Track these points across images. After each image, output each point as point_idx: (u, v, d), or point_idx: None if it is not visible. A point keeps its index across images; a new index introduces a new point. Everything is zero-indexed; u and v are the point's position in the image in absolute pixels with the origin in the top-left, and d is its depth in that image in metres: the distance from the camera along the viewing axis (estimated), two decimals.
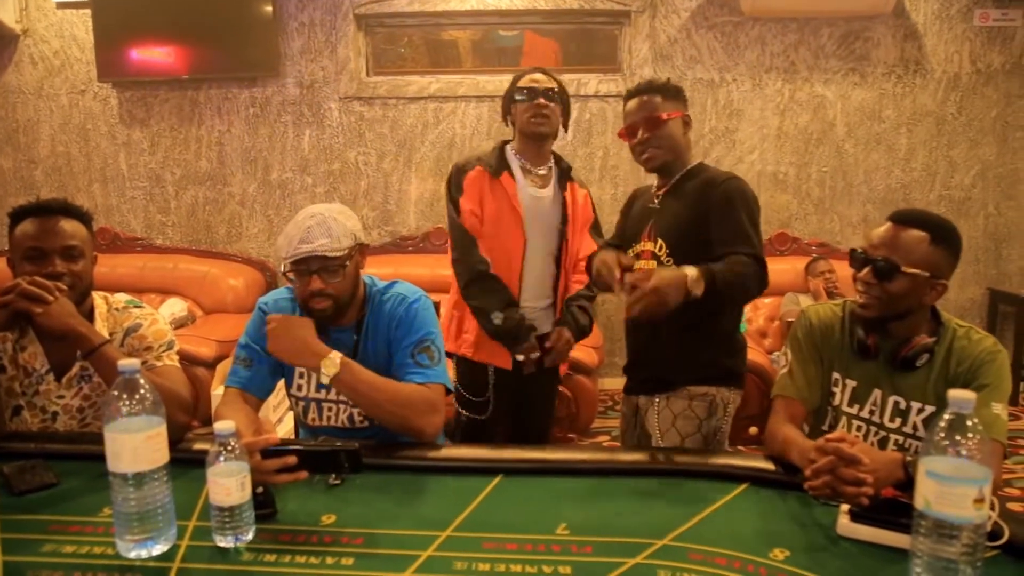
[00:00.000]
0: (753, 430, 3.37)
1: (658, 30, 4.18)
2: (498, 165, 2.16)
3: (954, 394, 0.97)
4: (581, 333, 2.23)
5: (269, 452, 1.25)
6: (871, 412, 1.53)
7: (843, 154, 4.27)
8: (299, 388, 1.64)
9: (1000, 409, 1.39)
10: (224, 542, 1.13)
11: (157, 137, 4.41)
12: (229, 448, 1.13)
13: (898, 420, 1.50)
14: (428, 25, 4.38)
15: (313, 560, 1.11)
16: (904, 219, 1.47)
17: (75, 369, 1.62)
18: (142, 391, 1.11)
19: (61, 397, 1.62)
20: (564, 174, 2.23)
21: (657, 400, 1.96)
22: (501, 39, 4.48)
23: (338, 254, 1.54)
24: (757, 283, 1.73)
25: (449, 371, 1.70)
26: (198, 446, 1.47)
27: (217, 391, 3.27)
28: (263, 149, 4.40)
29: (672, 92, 1.94)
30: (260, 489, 1.23)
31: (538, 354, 2.14)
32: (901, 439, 1.50)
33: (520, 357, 2.11)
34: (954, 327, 1.49)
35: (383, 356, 1.64)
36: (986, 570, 0.99)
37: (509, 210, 2.13)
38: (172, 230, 4.51)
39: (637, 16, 4.17)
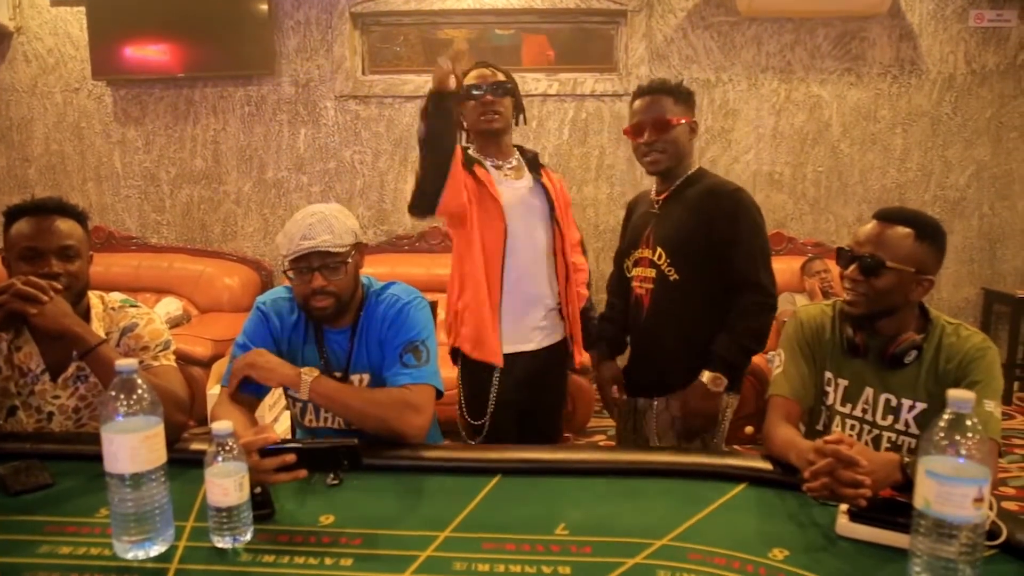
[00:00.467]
0: (749, 429, 3.38)
1: (654, 30, 4.19)
2: (467, 160, 2.03)
3: (953, 394, 0.98)
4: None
5: (267, 451, 1.25)
6: (863, 411, 1.54)
7: (839, 154, 4.28)
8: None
9: (993, 407, 1.39)
10: (222, 543, 1.13)
11: (152, 135, 4.40)
12: (227, 448, 1.13)
13: (890, 418, 1.51)
14: (424, 24, 4.37)
15: (312, 561, 1.10)
16: (889, 216, 1.50)
17: (71, 369, 1.61)
18: (140, 391, 1.11)
19: (57, 397, 1.61)
20: (533, 162, 2.13)
21: (656, 403, 1.97)
22: (497, 38, 4.47)
23: (340, 250, 1.54)
24: (768, 319, 1.87)
25: (450, 371, 1.68)
26: (195, 446, 1.47)
27: (213, 390, 3.26)
28: (258, 148, 4.39)
29: (683, 96, 1.93)
30: (258, 489, 1.22)
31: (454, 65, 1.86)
32: (894, 436, 1.51)
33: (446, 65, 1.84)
34: (943, 324, 1.51)
35: (377, 358, 1.63)
36: (984, 569, 0.99)
37: (490, 199, 1.99)
38: (167, 229, 4.49)
39: (633, 16, 4.17)
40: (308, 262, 1.54)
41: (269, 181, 4.42)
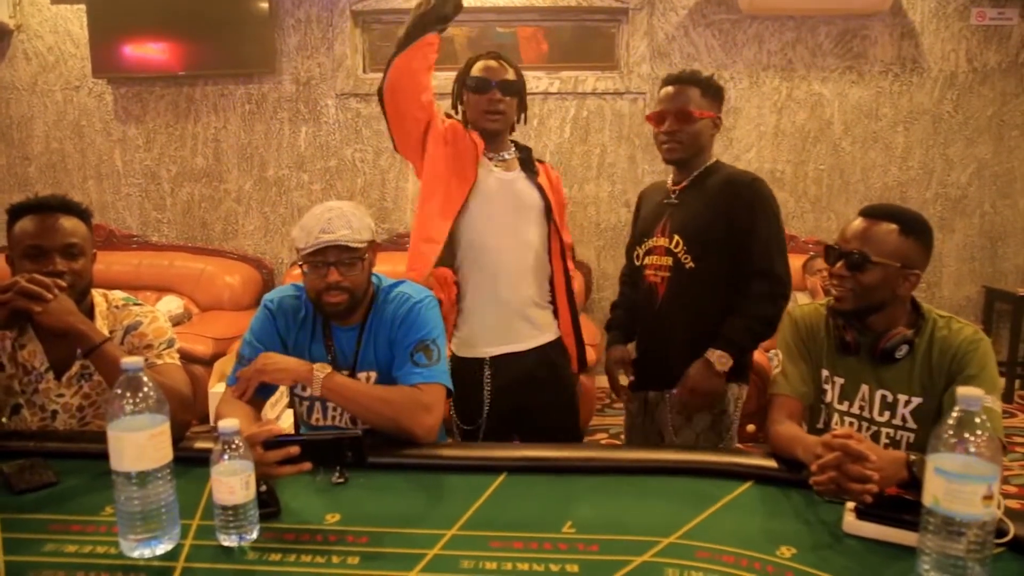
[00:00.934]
0: (751, 428, 3.37)
1: (656, 28, 4.18)
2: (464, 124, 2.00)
3: (962, 391, 0.97)
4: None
5: (271, 444, 1.25)
6: (861, 408, 1.55)
7: (840, 152, 4.27)
8: (303, 388, 1.63)
9: (992, 402, 1.39)
10: (228, 541, 1.13)
11: (152, 134, 4.39)
12: (233, 447, 1.12)
13: (887, 414, 1.52)
14: None
15: (319, 559, 1.10)
16: (874, 213, 1.52)
17: (75, 368, 1.61)
18: (146, 389, 1.11)
19: (61, 396, 1.61)
20: (527, 160, 2.06)
21: (668, 395, 1.97)
22: (498, 36, 4.46)
23: (358, 246, 1.55)
24: (780, 310, 1.87)
25: None
26: (199, 444, 1.46)
27: (214, 389, 3.26)
28: (259, 146, 4.38)
29: (712, 91, 1.93)
30: (263, 487, 1.22)
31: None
32: (892, 432, 1.52)
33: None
34: (934, 318, 1.52)
35: (385, 356, 1.63)
36: (991, 567, 0.99)
37: (470, 165, 1.92)
38: (168, 227, 4.49)
39: (635, 14, 4.17)
40: (325, 256, 1.54)
41: (270, 179, 4.41)
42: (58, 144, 4.42)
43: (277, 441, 1.24)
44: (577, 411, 2.17)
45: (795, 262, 4.04)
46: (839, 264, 1.51)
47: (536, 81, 4.19)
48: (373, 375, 1.63)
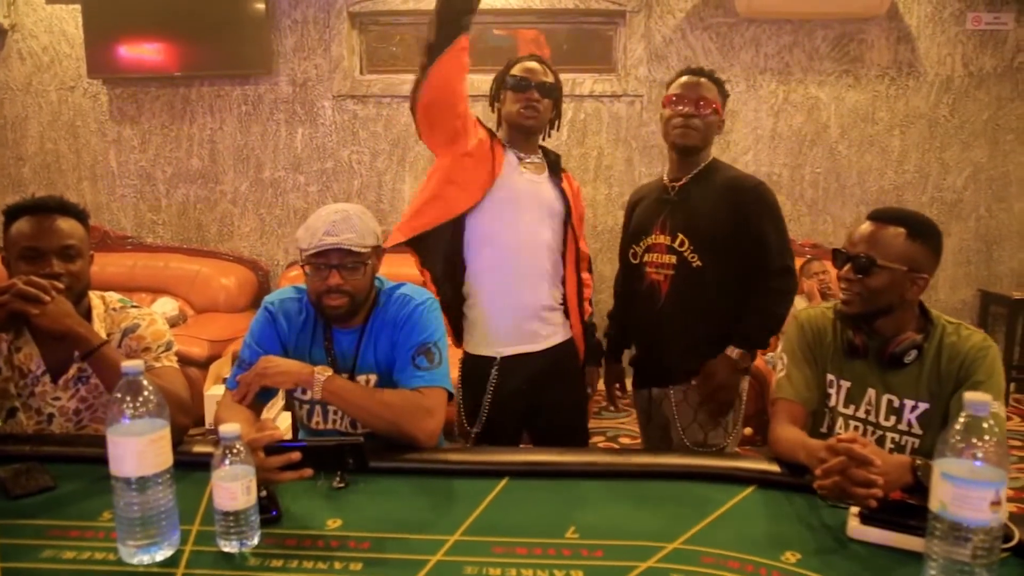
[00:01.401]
0: (748, 431, 3.37)
1: (653, 30, 4.18)
2: (491, 135, 2.01)
3: (970, 396, 0.97)
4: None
5: (273, 449, 1.24)
6: (867, 412, 1.54)
7: (836, 156, 4.28)
8: (303, 391, 1.62)
9: (997, 407, 1.39)
10: (229, 547, 1.11)
11: (148, 134, 4.37)
12: (234, 451, 1.11)
13: (893, 418, 1.52)
14: (422, 23, 4.34)
15: (321, 565, 1.09)
16: (882, 216, 1.52)
17: (72, 371, 1.59)
18: (146, 393, 1.09)
19: (57, 399, 1.59)
20: (555, 165, 2.08)
21: (672, 391, 1.97)
22: (495, 38, 4.46)
23: (362, 250, 1.54)
24: (789, 308, 1.95)
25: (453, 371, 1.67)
26: (198, 448, 1.45)
27: (210, 391, 3.24)
28: (255, 147, 4.36)
29: (725, 94, 2.01)
30: (264, 492, 1.21)
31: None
32: (897, 437, 1.52)
33: None
34: (943, 324, 1.51)
35: (386, 358, 1.62)
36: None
37: (487, 166, 1.92)
38: (163, 228, 4.47)
39: (632, 16, 4.17)
40: (327, 259, 1.53)
41: (266, 181, 4.40)
42: (52, 145, 4.40)
43: (279, 446, 1.23)
44: (586, 411, 2.18)
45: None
46: (846, 267, 1.50)
47: None
48: (373, 378, 1.62)
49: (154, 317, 1.68)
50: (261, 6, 4.11)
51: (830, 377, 1.58)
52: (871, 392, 1.53)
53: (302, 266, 1.57)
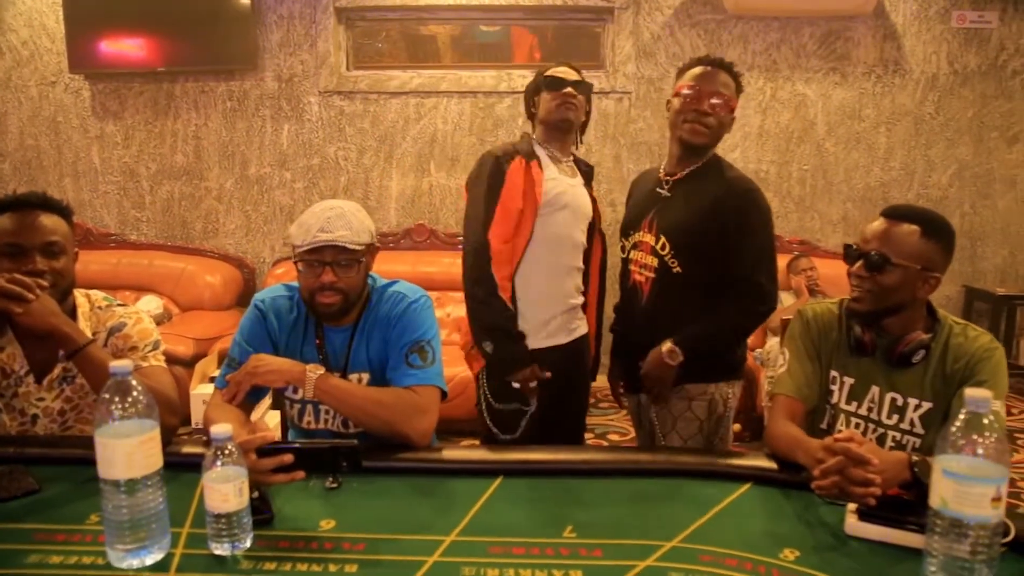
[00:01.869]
0: (736, 427, 3.38)
1: (641, 27, 4.18)
2: (528, 151, 2.03)
3: (971, 392, 0.97)
4: None
5: (265, 451, 1.21)
6: (869, 409, 1.53)
7: (824, 153, 4.30)
8: (295, 391, 1.60)
9: (999, 406, 1.39)
10: (221, 550, 1.09)
11: (131, 130, 4.31)
12: (226, 453, 1.09)
13: (895, 417, 1.51)
14: (410, 20, 4.33)
15: (315, 568, 1.07)
16: (896, 214, 1.49)
17: (57, 370, 1.56)
18: (135, 393, 1.07)
19: (41, 399, 1.56)
20: (588, 175, 2.13)
21: (643, 397, 1.93)
22: (482, 34, 4.44)
23: (356, 248, 1.51)
24: (756, 321, 1.87)
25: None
26: (188, 449, 1.43)
27: (196, 391, 3.20)
28: (240, 143, 4.32)
29: (740, 87, 1.89)
30: (255, 493, 1.19)
31: (540, 379, 1.96)
32: (899, 435, 1.51)
33: (517, 385, 1.94)
34: (950, 324, 1.50)
35: (379, 356, 1.60)
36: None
37: (531, 199, 1.96)
38: (147, 226, 4.41)
39: (620, 13, 4.16)
40: (321, 256, 1.50)
41: (252, 177, 4.35)
42: (33, 141, 4.33)
43: (271, 448, 1.21)
44: (586, 407, 2.24)
45: (780, 262, 4.05)
46: (858, 264, 1.48)
47: (521, 79, 4.17)
48: (365, 376, 1.60)
49: (141, 316, 1.65)
50: (246, 1, 4.06)
51: (833, 373, 1.56)
52: (875, 390, 1.52)
53: (295, 262, 1.54)
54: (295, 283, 1.62)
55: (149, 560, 1.07)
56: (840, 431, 1.52)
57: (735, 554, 1.12)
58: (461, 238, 2.36)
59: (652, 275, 1.89)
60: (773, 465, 1.40)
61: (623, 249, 2.02)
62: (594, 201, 2.12)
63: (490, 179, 1.96)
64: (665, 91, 4.21)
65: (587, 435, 3.64)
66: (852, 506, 1.19)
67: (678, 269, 1.85)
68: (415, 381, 1.53)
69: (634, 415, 2.08)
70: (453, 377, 2.76)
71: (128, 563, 1.06)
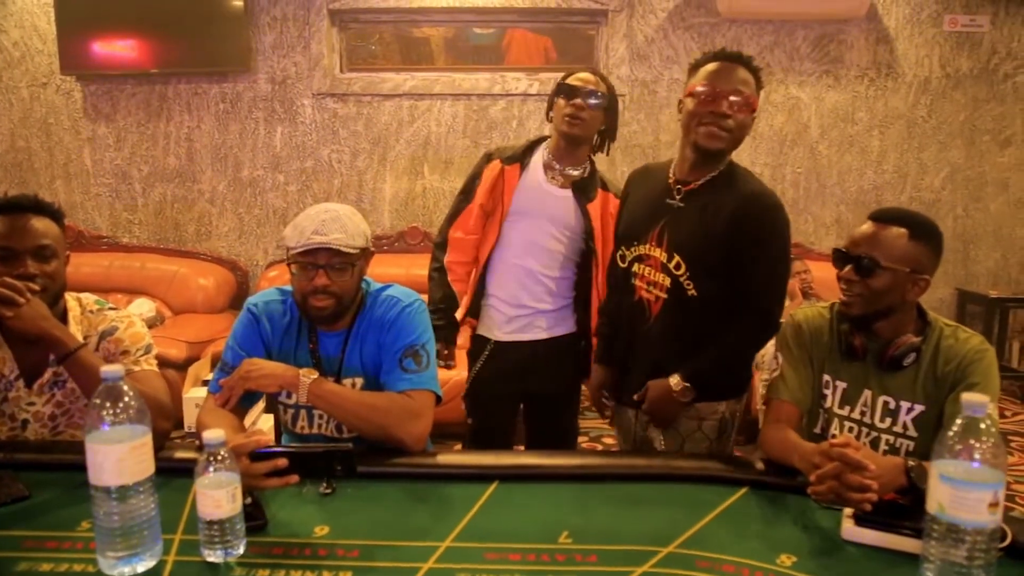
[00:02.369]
0: None
1: (635, 30, 4.18)
2: (516, 155, 2.10)
3: (967, 397, 0.97)
4: None
5: (258, 455, 1.20)
6: (862, 413, 1.53)
7: (817, 155, 4.31)
8: (288, 395, 1.58)
9: (991, 408, 1.39)
10: (213, 557, 1.08)
11: (123, 132, 4.28)
12: (219, 458, 1.08)
13: (888, 420, 1.51)
14: (403, 22, 4.32)
15: (310, 574, 1.06)
16: (884, 217, 1.50)
17: (47, 375, 1.54)
18: (126, 399, 1.06)
19: (32, 404, 1.54)
20: (587, 182, 2.08)
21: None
22: (476, 37, 4.43)
23: (350, 251, 1.50)
24: (760, 346, 1.78)
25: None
26: (180, 454, 1.41)
27: (189, 394, 3.18)
28: (233, 146, 4.30)
29: (760, 83, 1.69)
30: (248, 499, 1.18)
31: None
32: (892, 439, 1.51)
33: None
34: (941, 326, 1.51)
35: (372, 361, 1.58)
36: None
37: (500, 202, 2.07)
38: (139, 228, 4.38)
39: (614, 16, 4.16)
40: (315, 258, 1.49)
41: (244, 180, 4.33)
42: (24, 142, 4.30)
43: (264, 453, 1.20)
44: (576, 409, 2.28)
45: None
46: (847, 268, 1.48)
47: (515, 82, 4.17)
48: (359, 381, 1.59)
49: (133, 319, 1.63)
50: (239, 3, 4.04)
51: (826, 378, 1.56)
52: (867, 393, 1.52)
53: (288, 265, 1.53)
54: (288, 287, 1.61)
55: (141, 568, 1.05)
56: (834, 435, 1.52)
57: (732, 560, 1.11)
58: None
59: (664, 295, 1.72)
60: (769, 469, 1.40)
61: (622, 259, 1.82)
62: (588, 217, 2.07)
63: (470, 175, 2.15)
64: (659, 94, 4.22)
65: (580, 439, 3.65)
66: (848, 511, 1.19)
67: (693, 292, 1.68)
68: (409, 385, 1.52)
69: (621, 428, 1.92)
70: (448, 380, 2.75)
71: (119, 571, 1.04)
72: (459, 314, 2.17)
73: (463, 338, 2.21)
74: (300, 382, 1.45)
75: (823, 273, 3.87)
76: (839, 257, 1.51)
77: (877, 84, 4.24)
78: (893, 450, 1.50)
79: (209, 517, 1.07)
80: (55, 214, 1.56)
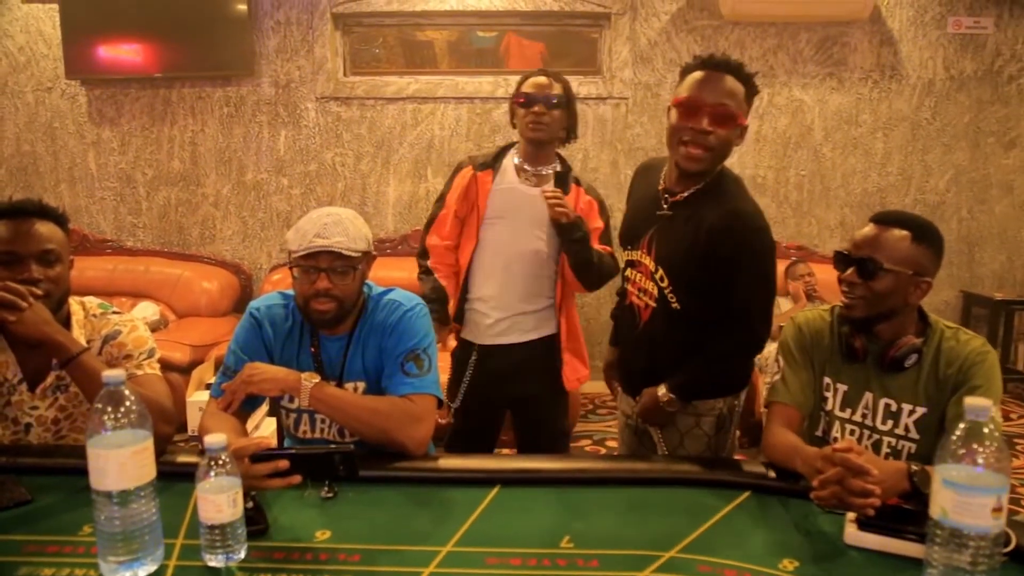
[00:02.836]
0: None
1: (638, 33, 4.18)
2: (487, 161, 2.17)
3: (970, 401, 0.96)
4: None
5: (259, 456, 1.20)
6: (863, 415, 1.53)
7: (821, 158, 4.30)
8: (290, 399, 1.59)
9: (994, 412, 1.39)
10: (215, 561, 1.08)
11: (128, 136, 4.30)
12: (220, 463, 1.08)
13: (890, 422, 1.50)
14: (407, 25, 4.33)
15: None
16: (885, 219, 1.50)
17: (50, 379, 1.54)
18: (128, 403, 1.06)
19: (35, 408, 1.55)
20: (561, 177, 2.15)
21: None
22: (479, 40, 4.44)
23: (352, 254, 1.50)
24: (745, 360, 1.79)
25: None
26: (182, 458, 1.41)
27: (193, 398, 3.18)
28: (237, 149, 4.31)
29: (751, 90, 1.62)
30: (250, 504, 1.18)
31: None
32: (894, 441, 1.50)
33: None
34: (942, 328, 1.50)
35: (374, 365, 1.58)
36: None
37: (475, 207, 2.14)
38: (143, 232, 4.40)
39: (617, 19, 4.17)
40: (317, 262, 1.49)
41: (248, 183, 4.34)
42: (29, 147, 4.32)
43: (266, 454, 1.20)
44: (565, 410, 2.32)
45: (778, 267, 4.07)
46: (850, 271, 1.47)
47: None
48: (361, 385, 1.59)
49: (136, 323, 1.63)
50: (243, 7, 4.06)
51: (827, 380, 1.56)
52: (868, 396, 1.52)
53: (290, 268, 1.54)
54: (291, 291, 1.62)
55: (142, 572, 1.05)
56: (836, 438, 1.52)
57: (734, 564, 1.11)
58: None
59: (652, 303, 1.75)
60: (771, 473, 1.39)
61: (623, 259, 1.92)
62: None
63: (445, 184, 2.23)
64: (662, 97, 4.22)
65: (584, 442, 3.65)
66: (851, 515, 1.18)
67: (676, 305, 1.70)
68: (411, 389, 1.52)
69: (622, 411, 1.96)
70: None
71: (121, 575, 1.04)
72: (449, 309, 2.21)
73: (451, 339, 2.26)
74: (302, 386, 1.46)
75: (827, 276, 3.85)
76: (841, 260, 1.51)
77: (881, 86, 4.23)
78: (895, 453, 1.49)
79: (210, 521, 1.07)
80: (59, 218, 1.57)
